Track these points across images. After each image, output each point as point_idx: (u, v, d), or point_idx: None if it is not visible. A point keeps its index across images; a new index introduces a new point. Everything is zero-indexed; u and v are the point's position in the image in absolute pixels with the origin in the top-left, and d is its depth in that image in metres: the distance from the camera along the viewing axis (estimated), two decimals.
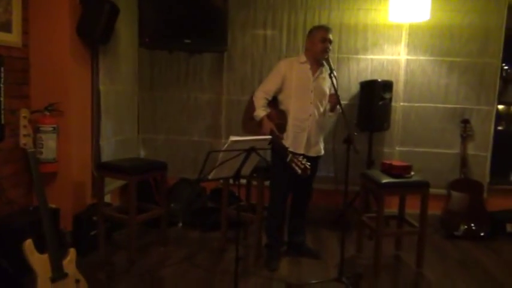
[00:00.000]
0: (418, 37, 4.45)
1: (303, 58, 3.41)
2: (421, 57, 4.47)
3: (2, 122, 2.55)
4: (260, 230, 3.56)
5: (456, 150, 4.49)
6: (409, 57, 4.48)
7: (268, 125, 3.31)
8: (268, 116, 3.36)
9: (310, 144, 3.42)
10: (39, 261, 2.28)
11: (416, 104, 4.53)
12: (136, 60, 4.62)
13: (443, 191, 4.43)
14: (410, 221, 3.62)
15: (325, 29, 3.37)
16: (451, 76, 4.47)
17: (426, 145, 4.55)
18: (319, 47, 3.31)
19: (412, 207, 3.66)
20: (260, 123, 3.37)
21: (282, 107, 3.43)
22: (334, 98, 3.25)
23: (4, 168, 3.19)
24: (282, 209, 3.50)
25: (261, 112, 3.37)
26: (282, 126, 3.37)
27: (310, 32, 3.43)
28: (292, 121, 3.37)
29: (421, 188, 3.43)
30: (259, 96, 3.41)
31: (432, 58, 4.46)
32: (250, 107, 3.54)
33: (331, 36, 3.35)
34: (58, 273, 2.33)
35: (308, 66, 3.39)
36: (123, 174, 3.46)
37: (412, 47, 4.46)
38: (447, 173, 4.48)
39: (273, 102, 3.47)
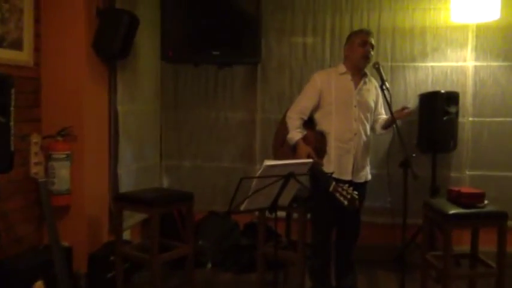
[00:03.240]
0: (487, 40, 4.39)
1: (343, 68, 3.43)
2: (493, 63, 4.40)
3: (12, 149, 2.67)
4: (303, 272, 3.54)
5: None
6: (478, 64, 4.42)
7: (304, 149, 3.29)
8: (304, 138, 3.35)
9: (358, 169, 3.41)
10: None
11: (488, 119, 4.44)
12: (159, 75, 4.77)
13: None
14: (486, 261, 3.51)
15: (364, 32, 3.42)
16: None
17: (503, 168, 4.43)
18: (359, 51, 3.33)
19: (488, 244, 3.55)
20: (294, 147, 3.37)
21: (320, 127, 3.43)
22: (401, 115, 3.29)
23: (13, 201, 3.33)
24: (327, 247, 3.48)
25: (295, 135, 3.36)
26: (321, 150, 3.34)
27: (349, 38, 3.48)
28: (335, 142, 3.36)
29: (498, 219, 3.32)
30: (293, 117, 3.41)
31: (506, 64, 4.39)
32: (280, 131, 3.54)
33: (372, 40, 3.37)
34: None
35: (349, 77, 3.40)
36: (144, 207, 3.55)
37: (480, 51, 4.41)
38: None
39: (308, 124, 3.46)
